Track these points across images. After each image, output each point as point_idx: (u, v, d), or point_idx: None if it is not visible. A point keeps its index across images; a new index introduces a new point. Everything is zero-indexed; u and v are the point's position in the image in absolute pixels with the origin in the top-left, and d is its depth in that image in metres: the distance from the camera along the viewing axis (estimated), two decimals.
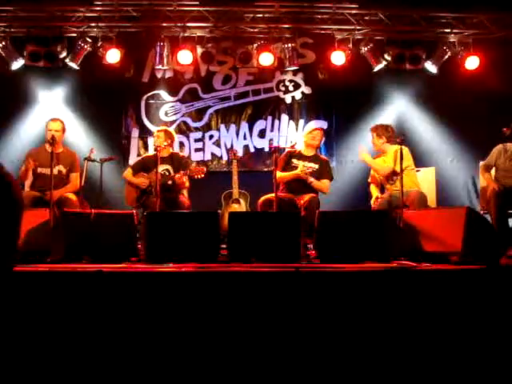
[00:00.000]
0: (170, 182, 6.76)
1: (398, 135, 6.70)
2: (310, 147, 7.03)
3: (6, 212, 2.69)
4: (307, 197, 6.59)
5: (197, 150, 8.64)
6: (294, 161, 6.95)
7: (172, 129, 7.57)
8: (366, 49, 7.99)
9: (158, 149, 6.52)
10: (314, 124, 8.49)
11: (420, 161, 7.55)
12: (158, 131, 7.14)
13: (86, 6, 7.49)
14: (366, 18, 7.81)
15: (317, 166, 6.93)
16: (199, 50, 8.12)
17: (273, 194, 6.29)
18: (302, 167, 6.83)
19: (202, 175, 6.55)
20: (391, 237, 5.41)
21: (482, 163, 6.78)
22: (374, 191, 6.94)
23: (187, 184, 6.84)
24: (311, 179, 6.78)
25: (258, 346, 3.75)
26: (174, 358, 3.67)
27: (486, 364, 3.70)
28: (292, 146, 7.03)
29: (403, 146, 6.24)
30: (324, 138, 7.28)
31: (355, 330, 3.85)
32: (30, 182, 6.69)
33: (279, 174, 6.66)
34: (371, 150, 7.12)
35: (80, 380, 3.54)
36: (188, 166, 6.91)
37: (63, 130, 6.75)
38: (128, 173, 7.02)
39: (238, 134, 8.68)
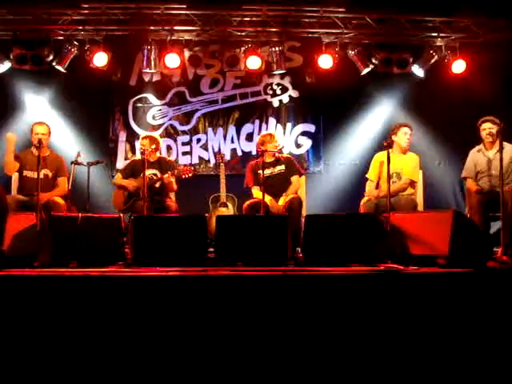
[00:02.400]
0: (157, 185, 6.76)
1: (384, 138, 6.73)
2: (271, 154, 6.83)
3: None
4: (288, 198, 6.54)
5: (184, 153, 8.62)
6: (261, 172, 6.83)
7: (157, 133, 7.46)
8: (353, 52, 8.01)
9: (146, 153, 6.49)
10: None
11: None
12: (143, 138, 7.09)
13: (73, 9, 7.47)
14: (354, 21, 7.84)
15: (283, 167, 6.83)
16: (187, 54, 8.10)
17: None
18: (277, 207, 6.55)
19: (190, 174, 6.62)
20: (378, 240, 5.42)
21: (463, 175, 6.68)
22: (368, 188, 6.79)
23: (175, 186, 6.85)
24: (287, 196, 6.60)
25: (245, 350, 3.75)
26: (162, 362, 3.66)
27: (474, 366, 3.72)
28: (280, 150, 7.00)
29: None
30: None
31: (343, 333, 3.85)
32: (16, 186, 6.67)
33: (256, 194, 6.59)
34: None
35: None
36: (175, 167, 6.92)
37: (49, 133, 6.71)
38: (118, 177, 7.03)
39: (225, 138, 8.67)
